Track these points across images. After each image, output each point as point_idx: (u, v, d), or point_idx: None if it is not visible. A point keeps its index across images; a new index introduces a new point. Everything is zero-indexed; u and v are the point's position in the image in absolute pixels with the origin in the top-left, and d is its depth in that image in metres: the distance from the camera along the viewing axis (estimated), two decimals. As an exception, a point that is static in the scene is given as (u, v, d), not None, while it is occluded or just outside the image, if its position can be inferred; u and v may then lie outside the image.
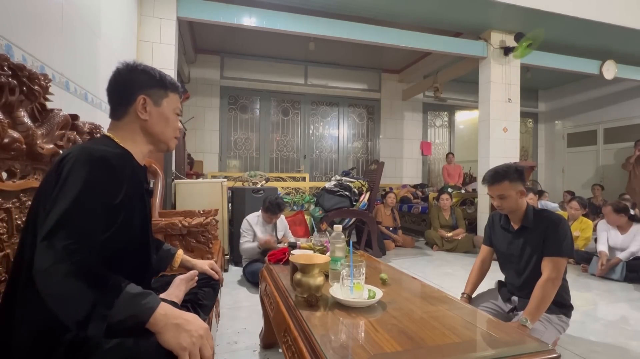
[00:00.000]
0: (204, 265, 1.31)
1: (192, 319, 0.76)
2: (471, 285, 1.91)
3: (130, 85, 0.96)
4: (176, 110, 1.05)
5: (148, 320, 0.71)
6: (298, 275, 1.16)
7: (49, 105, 1.15)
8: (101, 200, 0.80)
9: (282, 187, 5.21)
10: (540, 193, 4.58)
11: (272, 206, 3.10)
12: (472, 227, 5.07)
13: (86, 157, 0.80)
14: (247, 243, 3.11)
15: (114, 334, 0.70)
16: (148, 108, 0.97)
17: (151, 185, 1.04)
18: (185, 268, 1.28)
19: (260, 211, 3.22)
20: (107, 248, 0.81)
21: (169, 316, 0.73)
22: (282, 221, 3.32)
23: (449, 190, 5.32)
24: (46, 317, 0.72)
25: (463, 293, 1.89)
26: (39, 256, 0.70)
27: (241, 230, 3.19)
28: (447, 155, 6.54)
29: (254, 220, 3.20)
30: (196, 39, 5.65)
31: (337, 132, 7.10)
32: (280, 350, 1.75)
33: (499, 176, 1.70)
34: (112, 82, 0.98)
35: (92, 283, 0.70)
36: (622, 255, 3.31)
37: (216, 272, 1.32)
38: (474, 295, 1.92)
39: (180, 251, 1.30)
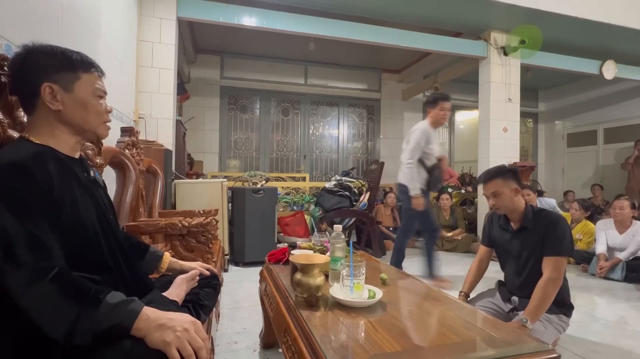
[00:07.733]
0: (192, 265, 1.29)
1: (175, 317, 0.76)
2: (469, 284, 1.93)
3: (29, 74, 0.82)
4: (96, 92, 0.90)
5: (131, 327, 0.71)
6: (298, 275, 1.16)
7: (49, 105, 1.14)
8: (30, 201, 0.72)
9: (282, 187, 5.21)
10: (540, 193, 4.59)
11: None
12: (472, 227, 5.07)
13: None
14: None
15: (102, 341, 0.69)
16: (58, 96, 0.83)
17: (93, 174, 0.97)
18: (173, 270, 1.25)
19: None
20: (63, 248, 0.76)
21: (151, 319, 0.73)
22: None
23: (449, 190, 5.32)
24: (27, 328, 0.70)
25: (461, 291, 1.91)
26: (11, 279, 0.68)
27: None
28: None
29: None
30: (196, 39, 5.64)
31: (337, 132, 7.08)
32: (280, 350, 1.75)
33: (491, 174, 1.77)
34: (10, 75, 0.85)
35: (72, 296, 0.69)
36: (622, 255, 3.31)
37: (208, 269, 1.30)
38: (473, 295, 1.92)
39: (167, 254, 1.26)
